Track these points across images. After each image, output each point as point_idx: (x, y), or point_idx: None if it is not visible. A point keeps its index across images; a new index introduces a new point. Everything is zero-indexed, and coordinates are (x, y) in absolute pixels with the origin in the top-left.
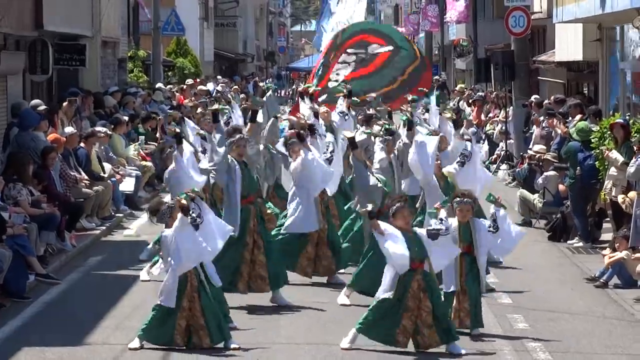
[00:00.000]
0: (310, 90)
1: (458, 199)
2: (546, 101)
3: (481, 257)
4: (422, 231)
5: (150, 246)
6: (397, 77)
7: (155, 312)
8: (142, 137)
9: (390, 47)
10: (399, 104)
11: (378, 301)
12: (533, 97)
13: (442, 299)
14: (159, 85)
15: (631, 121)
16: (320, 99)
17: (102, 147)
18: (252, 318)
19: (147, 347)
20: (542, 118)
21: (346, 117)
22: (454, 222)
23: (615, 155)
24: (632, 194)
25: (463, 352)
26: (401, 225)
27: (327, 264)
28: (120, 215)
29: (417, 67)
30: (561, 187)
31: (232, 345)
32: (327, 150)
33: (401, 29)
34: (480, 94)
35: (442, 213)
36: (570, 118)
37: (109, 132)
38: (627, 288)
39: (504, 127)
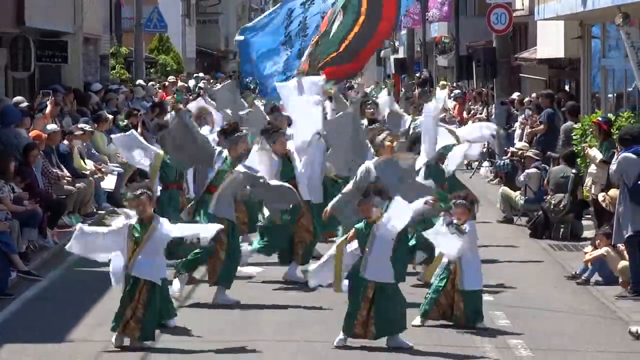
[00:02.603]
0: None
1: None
2: (527, 98)
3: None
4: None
5: None
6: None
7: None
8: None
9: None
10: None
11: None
12: (515, 95)
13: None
14: (140, 82)
15: (613, 118)
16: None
17: (84, 144)
18: (234, 315)
19: (128, 345)
20: (521, 117)
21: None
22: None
23: (594, 152)
24: (613, 192)
25: (407, 345)
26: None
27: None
28: (102, 212)
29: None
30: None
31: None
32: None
33: None
34: (457, 91)
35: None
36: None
37: (91, 129)
38: (608, 285)
39: None
